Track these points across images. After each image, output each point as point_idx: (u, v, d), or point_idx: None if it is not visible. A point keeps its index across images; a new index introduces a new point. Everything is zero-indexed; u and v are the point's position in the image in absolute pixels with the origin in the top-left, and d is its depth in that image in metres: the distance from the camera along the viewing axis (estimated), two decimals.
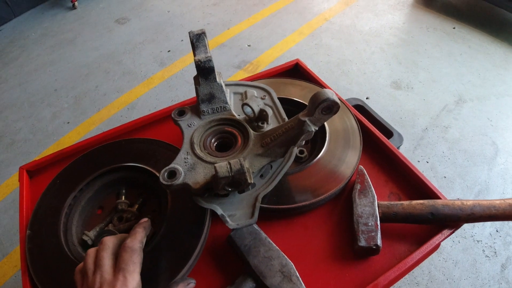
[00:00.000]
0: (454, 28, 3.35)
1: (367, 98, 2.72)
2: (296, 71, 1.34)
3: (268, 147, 0.78)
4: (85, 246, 0.88)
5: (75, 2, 4.04)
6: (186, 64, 3.14)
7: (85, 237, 0.87)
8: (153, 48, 3.38)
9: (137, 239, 0.66)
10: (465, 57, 3.05)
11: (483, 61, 3.02)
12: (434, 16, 3.50)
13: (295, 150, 0.85)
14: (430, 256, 2.01)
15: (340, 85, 2.82)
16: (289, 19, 3.59)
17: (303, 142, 0.87)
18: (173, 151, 1.00)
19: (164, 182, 0.72)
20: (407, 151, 2.34)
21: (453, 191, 2.14)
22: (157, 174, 0.93)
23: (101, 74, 3.17)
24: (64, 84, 3.12)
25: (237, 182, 0.70)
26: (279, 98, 0.99)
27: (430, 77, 2.87)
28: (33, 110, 2.94)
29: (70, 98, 2.99)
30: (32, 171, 1.08)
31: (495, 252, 1.89)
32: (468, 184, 2.18)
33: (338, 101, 0.70)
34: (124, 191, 0.98)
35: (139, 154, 1.01)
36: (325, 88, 1.14)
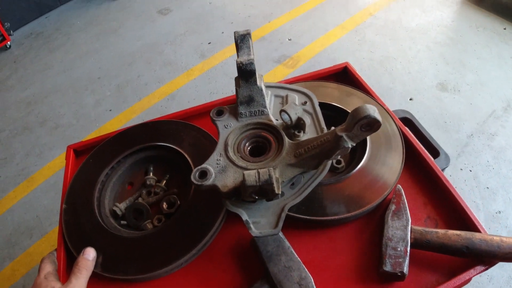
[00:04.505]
0: (505, 29, 3.17)
1: (410, 99, 2.63)
2: (344, 75, 1.28)
3: (301, 157, 0.76)
4: (116, 217, 0.97)
5: None
6: (226, 57, 3.14)
7: (115, 208, 0.96)
8: (194, 40, 3.40)
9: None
10: None
11: None
12: (484, 15, 3.32)
13: (329, 163, 0.83)
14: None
15: (383, 84, 2.74)
16: (332, 13, 3.51)
17: (338, 156, 0.84)
18: (197, 131, 1.07)
19: (195, 182, 0.74)
20: (450, 157, 2.25)
21: (494, 203, 2.06)
22: (182, 152, 1.00)
23: (143, 64, 3.23)
24: (108, 72, 3.21)
25: (264, 192, 0.69)
26: (322, 104, 0.96)
27: (478, 79, 2.74)
28: (77, 97, 3.04)
29: (113, 86, 3.07)
30: (78, 151, 1.15)
31: None
32: (511, 197, 2.08)
33: (380, 119, 0.66)
34: (152, 168, 1.06)
35: (165, 134, 1.07)
36: (373, 97, 1.10)
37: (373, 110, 0.65)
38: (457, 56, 2.95)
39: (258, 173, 0.67)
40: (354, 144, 0.70)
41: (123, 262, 0.85)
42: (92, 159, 1.05)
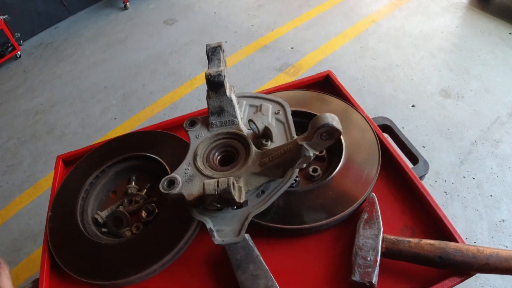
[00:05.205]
0: (510, 33, 3.13)
1: (413, 106, 2.61)
2: (326, 83, 1.28)
3: (266, 166, 0.77)
4: (98, 224, 0.99)
5: (127, 3, 4.21)
6: (229, 66, 3.17)
7: (96, 216, 0.99)
8: (198, 49, 3.45)
9: None
10: None
11: None
12: (489, 20, 3.29)
13: (295, 172, 0.83)
14: (466, 280, 1.90)
15: (385, 92, 2.73)
16: (335, 21, 3.53)
17: (303, 165, 0.83)
18: (178, 142, 1.09)
19: (162, 190, 0.76)
20: (452, 165, 2.22)
21: (498, 211, 2.02)
22: (163, 162, 1.03)
23: (148, 74, 3.29)
24: (114, 82, 3.27)
25: (225, 200, 0.70)
26: (300, 112, 0.96)
27: (483, 86, 2.70)
28: (83, 106, 3.11)
29: (119, 96, 3.13)
30: (67, 161, 1.18)
31: None
32: None
33: (339, 127, 0.66)
34: (134, 177, 1.09)
35: (148, 145, 1.10)
36: (353, 105, 1.10)
37: (331, 119, 0.65)
38: (461, 62, 2.92)
39: (218, 182, 0.68)
40: (317, 153, 0.70)
41: (100, 268, 0.87)
42: (78, 169, 1.08)
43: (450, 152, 2.30)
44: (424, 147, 2.34)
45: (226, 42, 3.45)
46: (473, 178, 2.17)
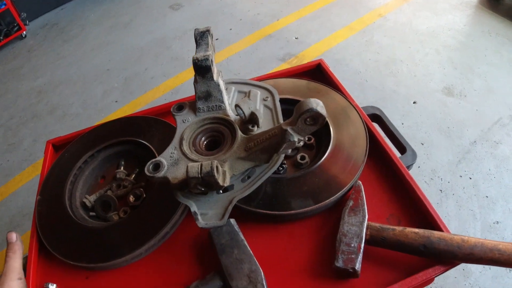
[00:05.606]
0: None
1: (414, 103, 2.60)
2: (318, 72, 1.27)
3: (251, 151, 0.77)
4: (86, 208, 0.99)
5: None
6: (232, 53, 3.16)
7: (85, 200, 0.99)
8: None
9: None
10: None
11: None
12: (498, 20, 3.24)
13: (281, 158, 0.83)
14: (456, 280, 1.88)
15: (386, 86, 2.71)
16: (341, 13, 3.49)
17: (289, 151, 0.83)
18: (168, 128, 1.09)
19: (147, 173, 0.76)
20: (450, 163, 2.21)
21: (493, 212, 2.01)
22: (152, 148, 1.03)
23: (151, 58, 3.29)
24: (117, 65, 3.28)
25: (209, 184, 0.70)
26: (289, 99, 0.96)
27: (486, 86, 2.68)
28: (86, 87, 3.12)
29: (121, 79, 3.13)
30: (57, 146, 1.18)
31: None
32: (511, 208, 2.03)
33: (323, 113, 0.66)
34: (123, 162, 1.09)
35: (138, 130, 1.10)
36: (344, 94, 1.10)
37: (316, 104, 0.65)
38: (466, 61, 2.88)
39: (201, 165, 0.68)
40: (302, 138, 0.71)
41: (86, 251, 0.87)
42: (67, 153, 1.08)
43: (449, 151, 2.29)
44: (422, 144, 2.33)
45: (230, 29, 3.43)
46: (470, 178, 2.16)
